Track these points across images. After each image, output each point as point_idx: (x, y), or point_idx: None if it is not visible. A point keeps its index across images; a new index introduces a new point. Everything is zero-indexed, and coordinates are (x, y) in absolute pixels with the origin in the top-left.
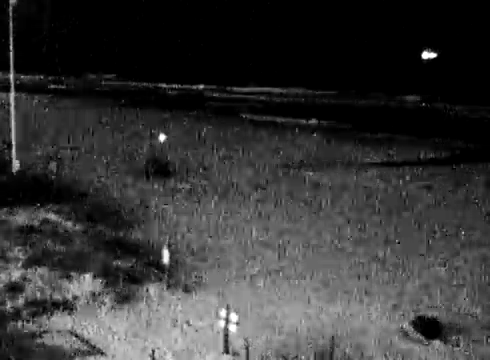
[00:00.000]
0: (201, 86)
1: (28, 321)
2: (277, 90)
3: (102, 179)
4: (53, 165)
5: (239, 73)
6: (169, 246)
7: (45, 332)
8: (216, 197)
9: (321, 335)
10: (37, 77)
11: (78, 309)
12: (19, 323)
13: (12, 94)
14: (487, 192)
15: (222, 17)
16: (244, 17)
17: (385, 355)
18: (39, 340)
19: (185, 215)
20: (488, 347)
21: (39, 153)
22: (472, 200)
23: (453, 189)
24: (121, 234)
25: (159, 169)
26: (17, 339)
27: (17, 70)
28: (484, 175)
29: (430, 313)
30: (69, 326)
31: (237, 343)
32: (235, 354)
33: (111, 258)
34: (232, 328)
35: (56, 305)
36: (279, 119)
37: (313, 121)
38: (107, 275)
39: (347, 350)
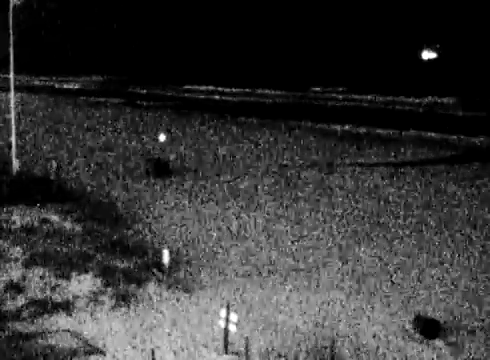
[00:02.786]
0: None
1: (28, 321)
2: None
3: (102, 179)
4: (53, 165)
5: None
6: (169, 247)
7: (45, 332)
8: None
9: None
10: None
11: (78, 309)
12: (19, 323)
13: (12, 94)
14: None
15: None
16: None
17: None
18: (39, 340)
19: (185, 214)
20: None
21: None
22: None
23: None
24: (121, 234)
25: (159, 168)
26: (17, 339)
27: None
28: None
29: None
30: (69, 326)
31: (237, 343)
32: (235, 353)
33: (111, 258)
34: (232, 328)
35: (56, 305)
36: None
37: None
38: (107, 275)
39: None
